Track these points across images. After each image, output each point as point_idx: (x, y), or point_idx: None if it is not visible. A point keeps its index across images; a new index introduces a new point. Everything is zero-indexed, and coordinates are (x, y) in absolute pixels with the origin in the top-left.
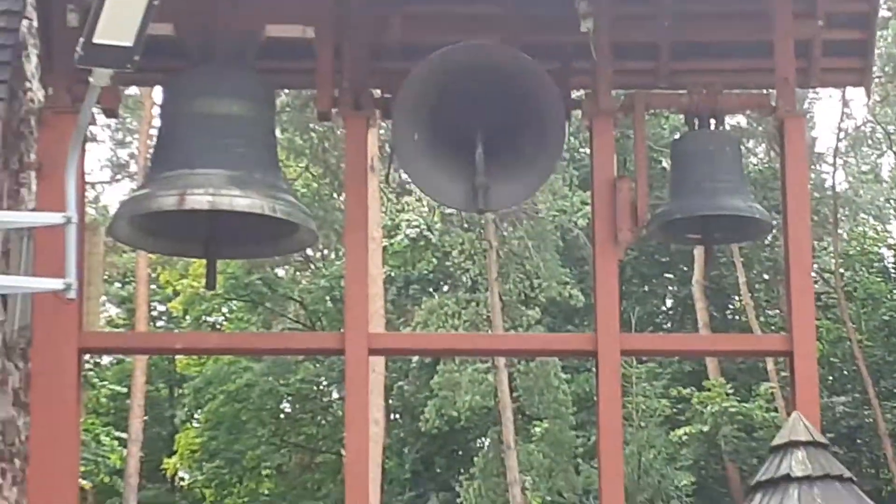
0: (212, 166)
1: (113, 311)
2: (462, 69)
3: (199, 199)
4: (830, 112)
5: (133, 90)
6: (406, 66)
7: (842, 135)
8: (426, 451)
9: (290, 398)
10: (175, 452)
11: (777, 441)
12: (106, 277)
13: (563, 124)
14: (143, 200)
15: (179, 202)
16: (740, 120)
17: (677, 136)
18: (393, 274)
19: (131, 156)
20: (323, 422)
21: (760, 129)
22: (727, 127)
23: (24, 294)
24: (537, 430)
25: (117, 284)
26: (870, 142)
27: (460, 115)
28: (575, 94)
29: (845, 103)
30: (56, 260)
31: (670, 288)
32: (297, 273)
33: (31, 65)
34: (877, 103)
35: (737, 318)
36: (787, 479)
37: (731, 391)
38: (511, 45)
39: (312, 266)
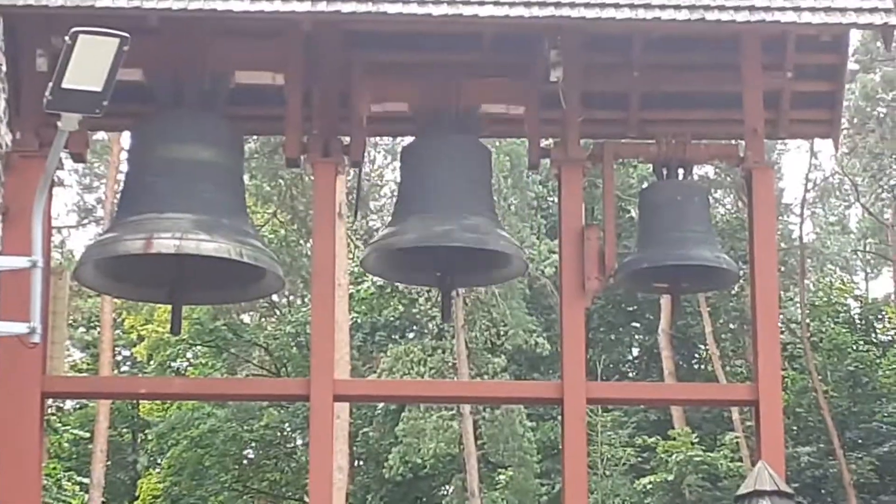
0: (179, 211)
1: (77, 355)
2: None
3: (165, 244)
4: (798, 163)
5: (101, 135)
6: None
7: (810, 185)
8: (390, 497)
9: (253, 444)
10: (137, 498)
11: (742, 490)
12: (70, 322)
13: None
14: (110, 244)
15: (146, 246)
16: (708, 170)
17: (645, 185)
18: (359, 320)
19: (98, 201)
20: (287, 468)
21: (728, 179)
22: (695, 177)
23: None
24: (502, 477)
25: (82, 329)
26: (837, 193)
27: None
28: (544, 143)
29: (813, 154)
30: (20, 304)
31: (636, 336)
32: (263, 319)
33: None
34: (845, 155)
35: (703, 367)
36: None
37: (696, 440)
38: (480, 90)
39: (278, 312)
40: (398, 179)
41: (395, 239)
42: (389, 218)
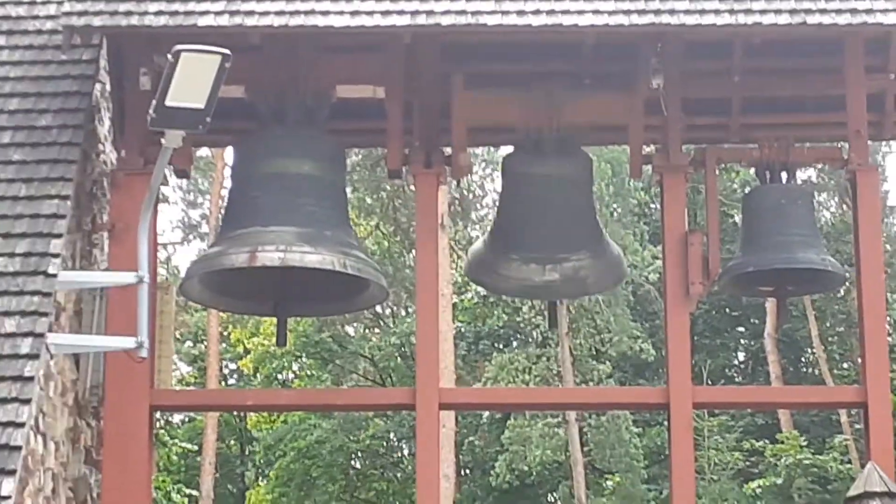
0: (283, 224)
1: (184, 369)
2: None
3: (270, 256)
4: None
5: (205, 151)
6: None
7: None
8: None
9: (360, 454)
10: None
11: (852, 492)
12: (177, 336)
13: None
14: (215, 258)
15: (251, 259)
16: (811, 173)
17: (748, 190)
18: (463, 330)
19: (203, 216)
20: (393, 478)
21: (832, 182)
22: (799, 181)
23: (97, 353)
24: (608, 483)
25: (189, 343)
26: None
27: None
28: (646, 150)
29: None
30: (128, 319)
31: (742, 341)
32: (367, 330)
33: (104, 127)
34: None
35: (809, 370)
36: None
37: (804, 443)
38: (578, 98)
39: (382, 323)
40: (499, 190)
41: (497, 284)
42: (489, 228)
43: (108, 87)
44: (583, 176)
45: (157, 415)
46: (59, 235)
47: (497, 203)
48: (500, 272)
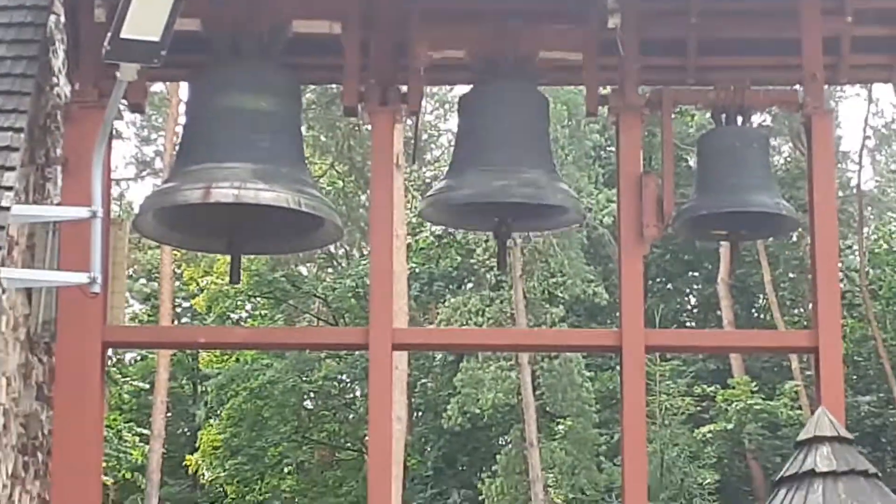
0: (237, 160)
1: (137, 307)
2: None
3: (224, 193)
4: (857, 111)
5: (159, 87)
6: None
7: (869, 132)
8: (448, 448)
9: (312, 395)
10: (197, 449)
11: (802, 436)
12: (130, 274)
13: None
14: (169, 194)
15: (205, 195)
16: (766, 117)
17: (703, 133)
18: (417, 271)
19: (157, 153)
20: (345, 419)
21: (787, 126)
22: (754, 124)
23: (49, 288)
24: (560, 427)
25: (142, 281)
26: None
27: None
28: (602, 91)
29: (872, 101)
30: (81, 254)
31: (695, 286)
32: (321, 271)
33: (58, 60)
34: None
35: (761, 316)
36: (812, 474)
37: (755, 389)
38: (537, 37)
39: (336, 264)
40: (455, 129)
41: (452, 194)
42: (447, 167)
43: (62, 19)
44: (538, 110)
45: (109, 353)
46: (12, 168)
47: (454, 142)
48: (455, 190)
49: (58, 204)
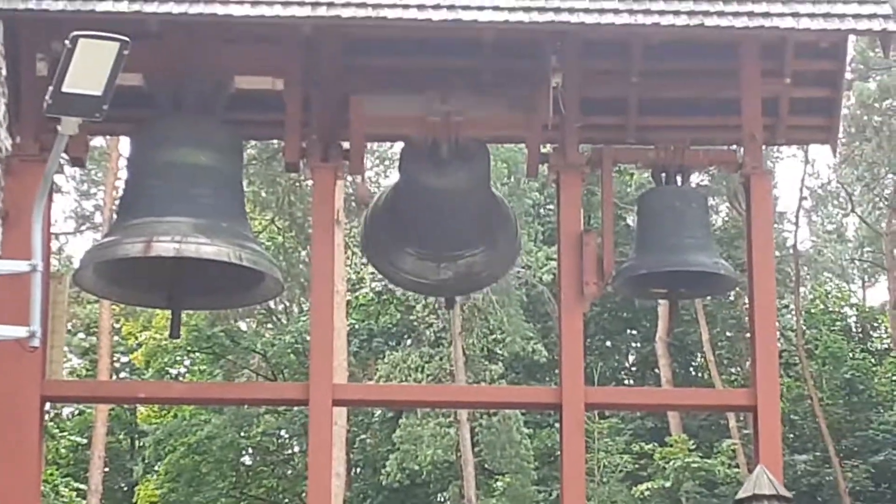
0: (178, 214)
1: (76, 362)
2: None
3: (165, 247)
4: (793, 171)
5: (99, 142)
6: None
7: (805, 193)
8: None
9: (250, 450)
10: None
11: (741, 495)
12: (69, 328)
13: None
14: (109, 248)
15: (146, 249)
16: (705, 177)
17: (643, 192)
18: (356, 327)
19: (96, 207)
20: (283, 475)
21: (724, 185)
22: (693, 183)
23: None
24: (499, 484)
25: (80, 335)
26: (834, 202)
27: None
28: (543, 149)
29: (809, 163)
30: (20, 308)
31: (633, 344)
32: (261, 326)
33: None
34: (840, 164)
35: (699, 375)
36: None
37: (693, 447)
38: (479, 96)
39: (276, 319)
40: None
41: (393, 276)
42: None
43: (3, 72)
44: (479, 173)
45: (47, 407)
46: None
47: (395, 185)
48: (396, 265)
49: None
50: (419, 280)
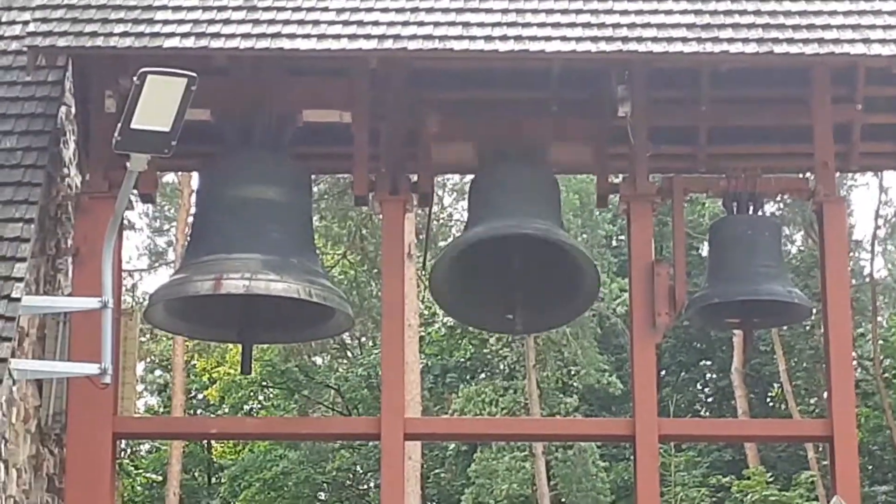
0: (248, 251)
1: (152, 399)
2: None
3: (235, 284)
4: (868, 199)
5: (171, 178)
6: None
7: (881, 221)
8: None
9: (326, 486)
10: None
11: None
12: (145, 365)
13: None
14: (179, 285)
15: (216, 287)
16: (779, 206)
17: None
18: (430, 363)
19: (169, 243)
20: None
21: (800, 216)
22: (767, 212)
23: (60, 379)
24: None
25: (157, 372)
26: None
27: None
28: (613, 179)
29: (883, 190)
30: (92, 345)
31: (709, 375)
32: (335, 361)
33: (69, 151)
34: None
35: (776, 406)
36: None
37: (771, 480)
38: (546, 128)
39: (349, 354)
40: (466, 217)
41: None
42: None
43: (73, 110)
44: (549, 188)
45: (122, 445)
46: (23, 259)
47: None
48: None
49: (69, 294)
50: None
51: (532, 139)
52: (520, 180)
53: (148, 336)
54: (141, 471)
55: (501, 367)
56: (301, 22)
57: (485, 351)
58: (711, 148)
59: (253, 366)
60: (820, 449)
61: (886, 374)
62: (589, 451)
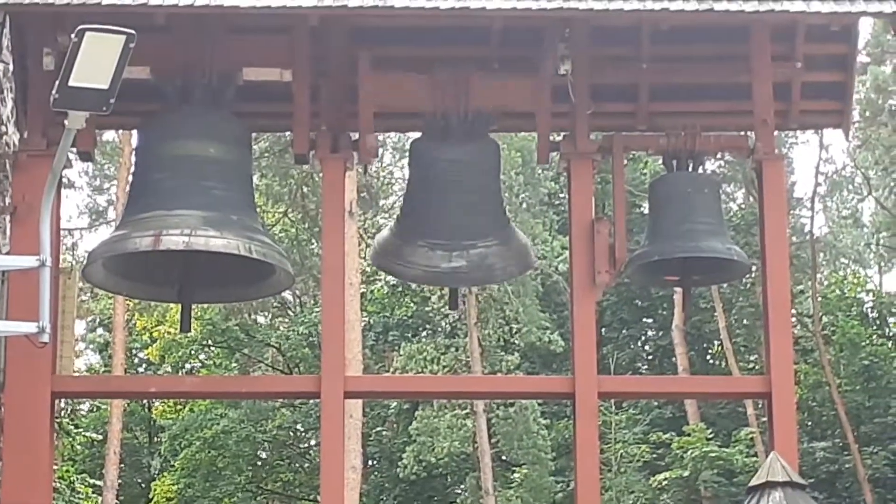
0: (188, 208)
1: (94, 358)
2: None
3: (174, 240)
4: (809, 157)
5: (111, 136)
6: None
7: (821, 179)
8: (404, 497)
9: (267, 445)
10: (151, 500)
11: (754, 482)
12: (86, 323)
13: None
14: (118, 242)
15: (155, 243)
16: (720, 164)
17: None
18: (371, 321)
19: (109, 202)
20: (300, 468)
21: (740, 173)
22: (708, 170)
23: None
24: (516, 475)
25: (99, 331)
26: (850, 186)
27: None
28: (554, 137)
29: (824, 148)
30: (30, 303)
31: (650, 333)
32: (276, 319)
33: (6, 108)
34: (857, 148)
35: (717, 363)
36: None
37: (711, 436)
38: (485, 84)
39: (290, 312)
40: (406, 176)
41: (402, 270)
42: (395, 215)
43: (10, 67)
44: (490, 162)
45: (62, 404)
46: None
47: (405, 189)
48: (407, 259)
49: (6, 253)
50: (431, 269)
51: (475, 100)
52: (463, 166)
53: (89, 295)
54: (81, 430)
55: (443, 325)
56: None
57: (426, 309)
58: (652, 106)
59: (193, 325)
60: (759, 406)
61: (825, 331)
62: (530, 408)
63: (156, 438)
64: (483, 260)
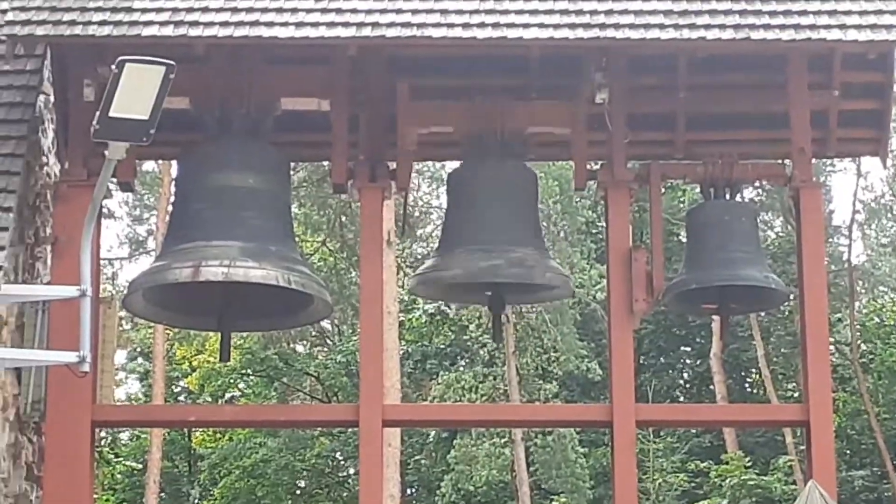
0: (227, 238)
1: (134, 387)
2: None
3: (213, 271)
4: (847, 184)
5: (151, 166)
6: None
7: (859, 206)
8: None
9: (305, 474)
10: None
11: None
12: (127, 353)
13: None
14: (158, 273)
15: (194, 274)
16: (757, 192)
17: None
18: (409, 350)
19: (149, 232)
20: (339, 497)
21: (777, 202)
22: (744, 199)
23: (39, 367)
24: None
25: (139, 360)
26: (889, 214)
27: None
28: (591, 166)
29: (862, 175)
30: (70, 333)
31: (687, 361)
32: (314, 348)
33: (48, 139)
34: (895, 176)
35: (755, 391)
36: None
37: (749, 464)
38: (523, 112)
39: (329, 341)
40: (444, 205)
41: (441, 273)
42: (436, 244)
43: (51, 98)
44: (528, 188)
45: (102, 433)
46: (1, 248)
47: (443, 218)
48: (446, 264)
49: (47, 283)
50: (469, 267)
51: (510, 128)
52: (498, 186)
53: (129, 324)
54: (121, 459)
55: (481, 353)
56: (280, 10)
57: (464, 338)
58: (689, 134)
59: (232, 354)
60: (798, 434)
61: (864, 359)
62: (568, 436)
63: (195, 467)
64: (522, 262)
